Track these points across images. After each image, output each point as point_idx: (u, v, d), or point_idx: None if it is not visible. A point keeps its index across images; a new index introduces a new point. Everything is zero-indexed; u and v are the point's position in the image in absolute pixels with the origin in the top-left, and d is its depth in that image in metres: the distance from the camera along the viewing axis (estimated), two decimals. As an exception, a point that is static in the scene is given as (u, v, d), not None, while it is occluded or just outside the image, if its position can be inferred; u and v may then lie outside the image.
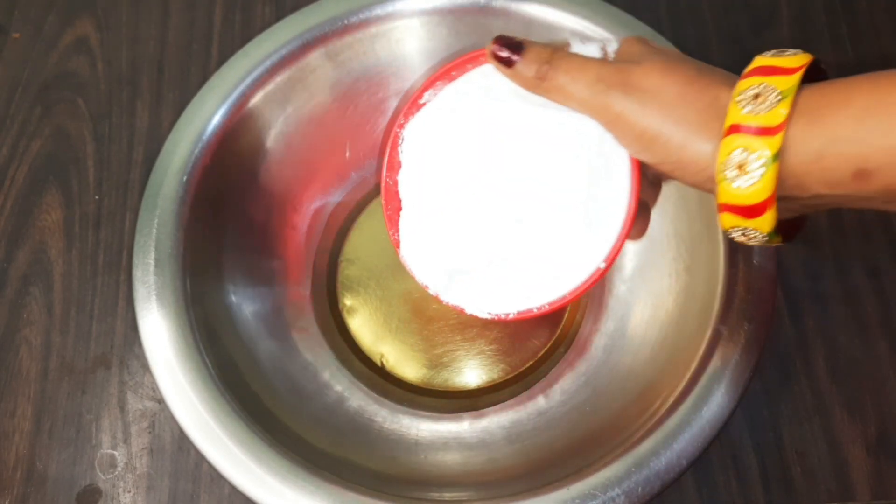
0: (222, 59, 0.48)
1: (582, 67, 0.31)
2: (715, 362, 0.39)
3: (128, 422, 0.44)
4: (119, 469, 0.43)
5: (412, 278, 0.40)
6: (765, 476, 0.42)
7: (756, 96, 0.27)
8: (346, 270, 0.51)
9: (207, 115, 0.46)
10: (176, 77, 0.53)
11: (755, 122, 0.27)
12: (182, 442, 0.43)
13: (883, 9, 0.53)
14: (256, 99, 0.47)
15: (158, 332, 0.41)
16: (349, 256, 0.52)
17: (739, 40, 0.52)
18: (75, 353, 0.46)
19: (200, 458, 0.40)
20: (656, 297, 0.46)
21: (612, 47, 0.33)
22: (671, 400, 0.39)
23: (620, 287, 0.48)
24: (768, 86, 0.27)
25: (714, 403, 0.38)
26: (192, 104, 0.46)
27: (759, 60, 0.28)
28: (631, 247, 0.48)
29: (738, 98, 0.27)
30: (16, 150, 0.51)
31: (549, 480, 0.38)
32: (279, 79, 0.47)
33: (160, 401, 0.44)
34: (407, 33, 0.49)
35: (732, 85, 0.28)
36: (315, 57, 0.48)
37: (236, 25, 0.54)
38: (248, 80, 0.46)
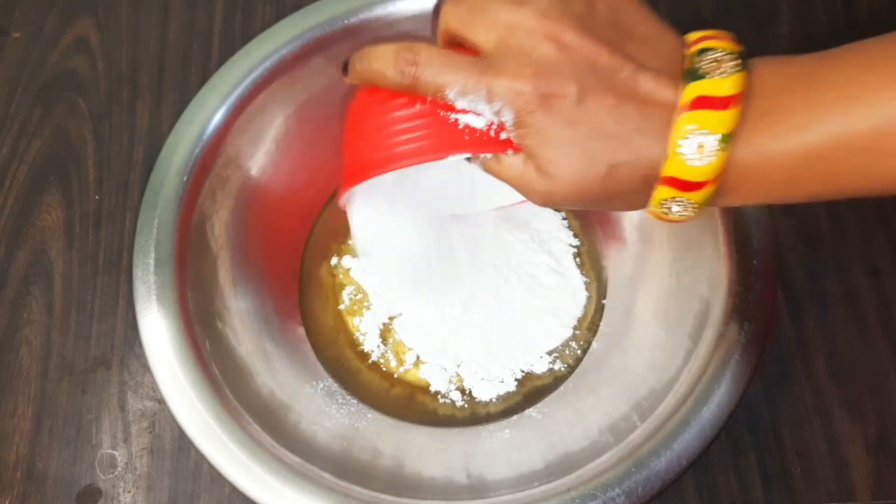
0: (222, 59, 0.48)
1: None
2: (715, 362, 0.39)
3: (128, 422, 0.44)
4: (119, 469, 0.43)
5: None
6: (765, 476, 0.42)
7: (699, 147, 0.27)
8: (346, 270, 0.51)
9: (207, 115, 0.46)
10: (176, 77, 0.53)
11: (691, 178, 0.28)
12: (182, 442, 0.44)
13: (884, 9, 0.53)
14: (257, 99, 0.47)
15: (158, 332, 0.41)
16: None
17: (740, 40, 0.52)
18: (75, 353, 0.46)
19: (200, 458, 0.40)
20: (656, 298, 0.46)
21: (508, 117, 0.29)
22: (671, 400, 0.39)
23: (621, 288, 0.48)
24: (707, 133, 0.27)
25: (714, 403, 0.38)
26: (192, 104, 0.46)
27: (694, 89, 0.27)
28: (632, 248, 0.48)
29: (678, 150, 0.27)
30: (16, 150, 0.51)
31: (549, 481, 0.38)
32: (279, 79, 0.47)
33: (160, 401, 0.44)
34: (407, 34, 0.49)
35: (661, 136, 0.28)
36: (315, 57, 0.48)
37: (236, 25, 0.54)
38: (248, 80, 0.46)
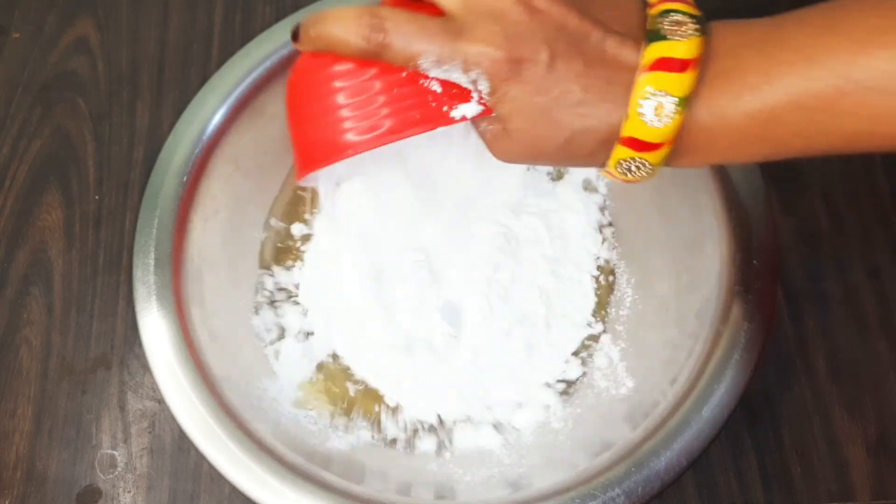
0: (222, 59, 0.48)
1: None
2: (715, 362, 0.39)
3: (128, 422, 0.44)
4: (119, 469, 0.43)
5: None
6: (765, 476, 0.42)
7: (658, 108, 0.27)
8: (346, 270, 0.51)
9: (207, 115, 0.46)
10: (176, 77, 0.53)
11: (648, 139, 0.28)
12: (182, 442, 0.43)
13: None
14: (256, 99, 0.47)
15: (158, 332, 0.41)
16: (349, 256, 0.52)
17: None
18: (75, 353, 0.46)
19: (200, 458, 0.40)
20: (657, 298, 0.46)
21: (484, 86, 0.28)
22: (671, 400, 0.39)
23: (621, 287, 0.48)
24: (665, 94, 0.27)
25: (714, 403, 0.38)
26: (192, 104, 0.46)
27: (654, 50, 0.27)
28: (633, 248, 0.48)
29: (638, 111, 0.28)
30: (16, 150, 0.51)
31: (548, 481, 0.38)
32: (279, 79, 0.47)
33: (160, 401, 0.44)
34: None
35: (623, 99, 0.28)
36: (315, 57, 0.48)
37: (236, 25, 0.54)
38: (248, 80, 0.46)
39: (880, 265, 0.46)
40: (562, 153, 0.29)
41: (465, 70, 0.28)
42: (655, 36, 0.28)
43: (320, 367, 0.47)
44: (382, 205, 0.47)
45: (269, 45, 0.47)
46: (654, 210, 0.47)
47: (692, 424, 0.38)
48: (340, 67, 0.29)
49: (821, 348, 0.44)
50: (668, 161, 0.29)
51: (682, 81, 0.27)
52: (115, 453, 0.44)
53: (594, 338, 0.47)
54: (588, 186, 0.50)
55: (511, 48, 0.27)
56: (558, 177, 0.50)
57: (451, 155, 0.41)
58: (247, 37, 0.49)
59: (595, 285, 0.48)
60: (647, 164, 0.29)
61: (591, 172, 0.50)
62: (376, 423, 0.45)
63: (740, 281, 0.41)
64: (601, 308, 0.48)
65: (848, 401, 0.43)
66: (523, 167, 0.49)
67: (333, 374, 0.46)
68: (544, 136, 0.29)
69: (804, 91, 0.26)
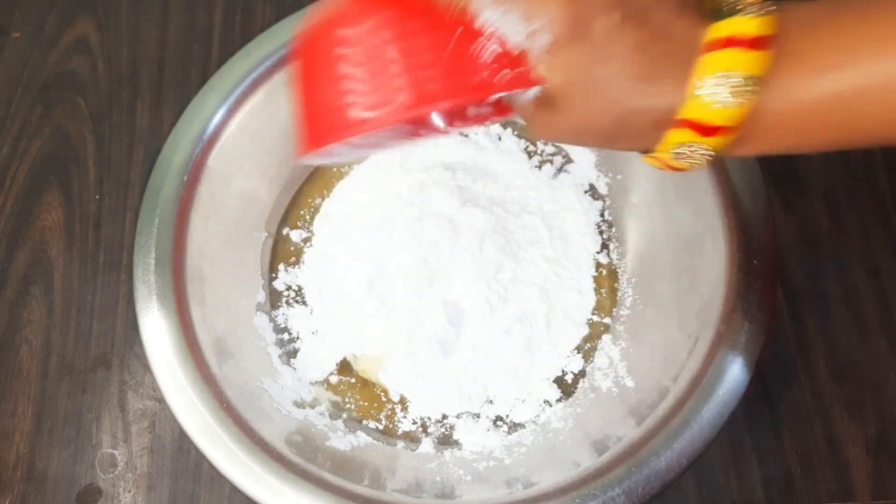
0: (222, 59, 0.48)
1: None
2: (715, 362, 0.39)
3: (128, 421, 0.44)
4: (119, 468, 0.43)
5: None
6: (765, 476, 0.42)
7: (728, 88, 0.26)
8: (347, 270, 0.51)
9: (207, 115, 0.46)
10: (176, 77, 0.53)
11: (712, 122, 0.26)
12: (182, 442, 0.44)
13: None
14: (256, 99, 0.47)
15: (159, 331, 0.41)
16: (349, 256, 0.52)
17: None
18: (75, 353, 0.46)
19: (200, 457, 0.40)
20: (657, 298, 0.46)
21: (544, 41, 0.26)
22: (672, 400, 0.39)
23: (622, 287, 0.48)
24: (735, 74, 0.25)
25: (714, 403, 0.38)
26: (192, 104, 0.46)
27: (721, 28, 0.26)
28: (633, 248, 0.48)
29: (699, 92, 0.26)
30: (16, 150, 0.51)
31: (549, 480, 0.38)
32: (279, 79, 0.47)
33: (160, 400, 0.44)
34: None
35: (683, 78, 0.26)
36: (315, 57, 0.48)
37: (236, 25, 0.54)
38: (248, 80, 0.46)
39: (880, 265, 0.46)
40: (610, 133, 0.28)
41: (528, 18, 0.26)
42: (719, 14, 0.26)
43: (335, 365, 0.47)
44: (381, 205, 0.47)
45: (269, 45, 0.47)
46: (654, 210, 0.47)
47: (692, 424, 0.38)
48: (351, 31, 0.26)
49: (821, 348, 0.44)
50: (729, 148, 0.27)
51: (756, 59, 0.25)
52: (116, 453, 0.44)
53: (595, 337, 0.47)
54: (588, 187, 0.50)
55: (574, 6, 0.26)
56: (557, 175, 0.50)
57: (451, 150, 0.41)
58: (247, 37, 0.49)
59: (595, 285, 0.48)
60: (706, 149, 0.27)
61: (591, 173, 0.50)
62: (390, 419, 0.45)
63: (740, 281, 0.41)
64: (601, 308, 0.48)
65: (848, 401, 0.43)
66: (529, 164, 0.49)
67: (344, 372, 0.47)
68: (596, 111, 0.27)
69: (887, 73, 0.25)
